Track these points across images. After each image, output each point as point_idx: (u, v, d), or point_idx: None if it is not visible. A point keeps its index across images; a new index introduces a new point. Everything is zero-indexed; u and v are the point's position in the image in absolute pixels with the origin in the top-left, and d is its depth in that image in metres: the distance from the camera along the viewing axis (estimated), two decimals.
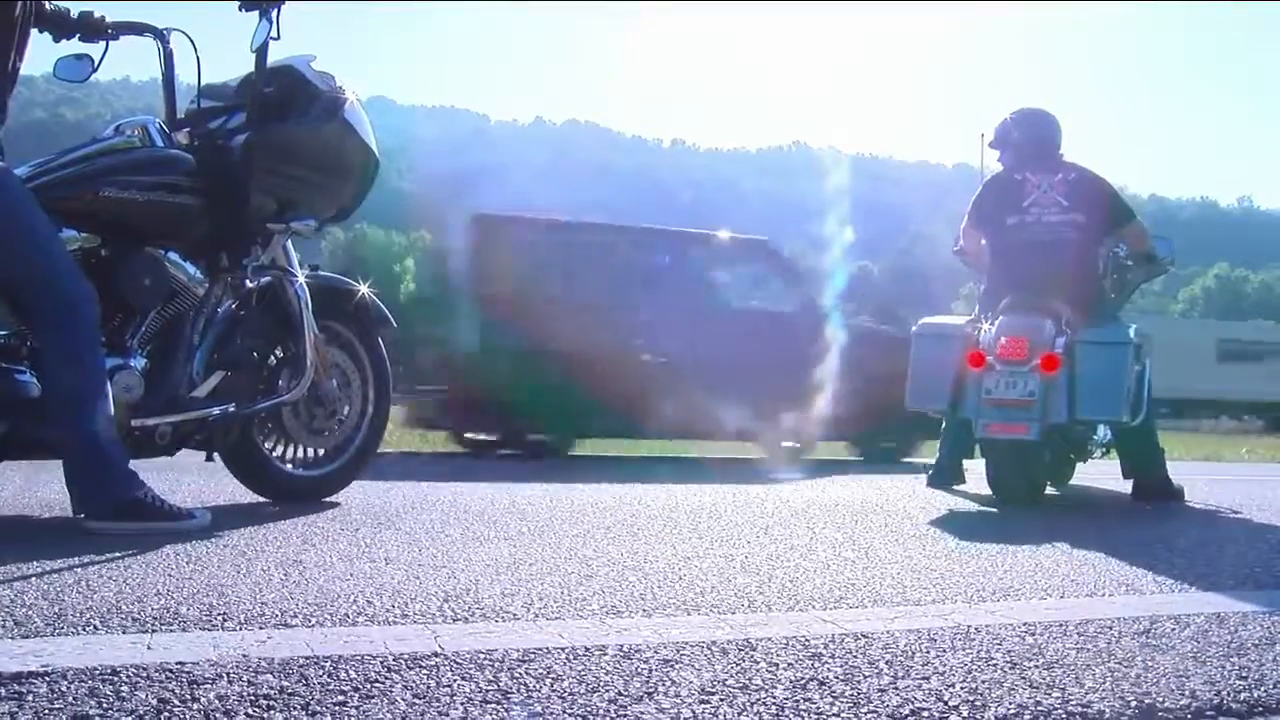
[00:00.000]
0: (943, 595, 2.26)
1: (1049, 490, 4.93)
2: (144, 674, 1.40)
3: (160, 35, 3.35)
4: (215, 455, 3.37)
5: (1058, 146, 5.04)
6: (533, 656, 1.59)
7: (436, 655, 1.58)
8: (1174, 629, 2.00)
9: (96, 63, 3.32)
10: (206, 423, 3.19)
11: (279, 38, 3.19)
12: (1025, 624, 1.98)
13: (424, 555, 2.53)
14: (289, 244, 3.45)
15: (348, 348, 3.67)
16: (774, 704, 1.42)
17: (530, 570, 2.36)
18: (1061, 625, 1.98)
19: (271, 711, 1.30)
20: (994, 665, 1.67)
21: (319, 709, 1.32)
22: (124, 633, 1.63)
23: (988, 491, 4.66)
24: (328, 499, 3.57)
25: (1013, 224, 4.87)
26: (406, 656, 1.56)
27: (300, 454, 3.58)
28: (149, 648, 1.54)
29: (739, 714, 1.37)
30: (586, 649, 1.65)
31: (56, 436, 2.76)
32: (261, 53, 3.21)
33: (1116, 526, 3.85)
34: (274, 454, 3.52)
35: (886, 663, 1.65)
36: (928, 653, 1.73)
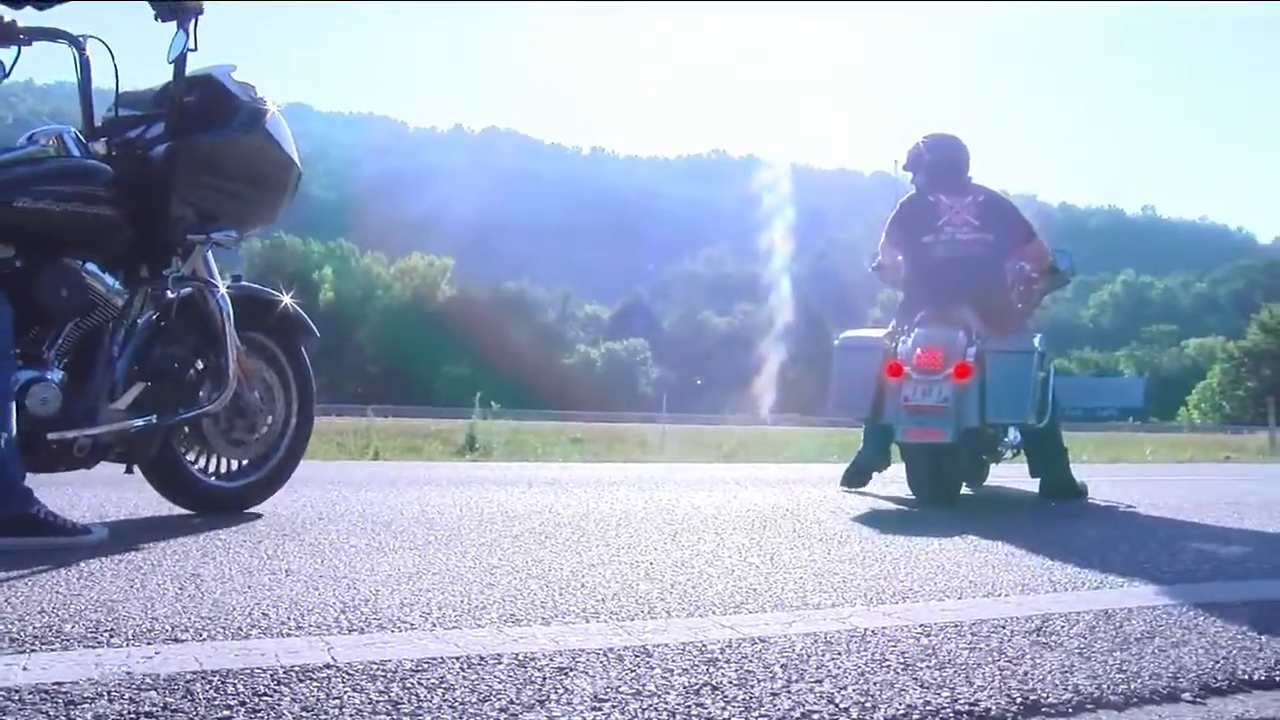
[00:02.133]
0: (843, 599, 2.29)
1: (964, 490, 5.15)
2: (16, 696, 1.35)
3: (76, 42, 3.24)
4: (135, 467, 3.31)
5: (967, 169, 5.38)
6: (426, 666, 1.58)
7: (329, 667, 1.56)
8: (1064, 626, 2.05)
9: (8, 68, 3.23)
10: (127, 434, 3.13)
11: (196, 49, 3.16)
12: (921, 625, 2.02)
13: (325, 566, 2.49)
14: (209, 255, 3.39)
15: (270, 358, 3.65)
16: (666, 709, 1.42)
17: (432, 580, 2.34)
18: (956, 626, 2.02)
19: None
20: (887, 667, 1.69)
21: None
22: None
23: (907, 493, 4.86)
24: (250, 510, 3.53)
25: (927, 242, 5.19)
26: (297, 669, 1.54)
27: (222, 465, 3.54)
28: (25, 669, 1.49)
29: None
30: (481, 658, 1.64)
31: None
32: (180, 63, 3.17)
33: (1019, 527, 3.93)
34: (195, 465, 3.47)
35: (781, 666, 1.67)
36: (823, 656, 1.75)
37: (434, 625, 1.88)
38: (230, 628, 1.80)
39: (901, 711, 1.46)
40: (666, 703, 1.45)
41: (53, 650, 1.61)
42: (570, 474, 6.56)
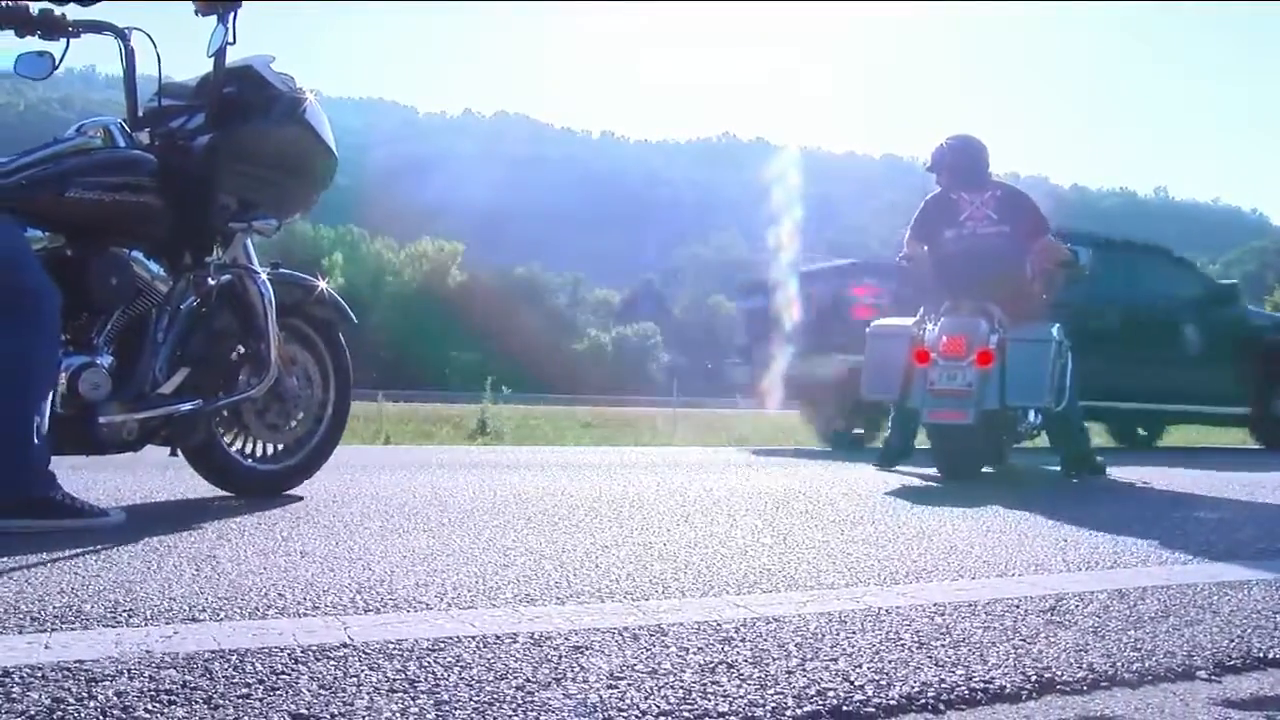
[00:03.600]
0: (856, 578, 2.29)
1: (986, 469, 5.48)
2: (39, 674, 1.37)
3: (121, 34, 3.31)
4: (177, 450, 3.37)
5: (987, 167, 5.75)
6: (442, 645, 1.59)
7: (345, 646, 1.57)
8: (1078, 606, 2.05)
9: (58, 60, 3.30)
10: (172, 418, 3.21)
11: (234, 42, 3.23)
12: (935, 605, 2.02)
13: (340, 548, 2.50)
14: (249, 242, 3.49)
15: (308, 343, 3.72)
16: (681, 687, 1.43)
17: (447, 561, 2.35)
18: (970, 605, 2.02)
19: (173, 706, 1.28)
20: (902, 645, 1.70)
21: (222, 703, 1.30)
22: (20, 633, 1.59)
23: (933, 470, 5.24)
24: (288, 492, 3.60)
25: (950, 237, 5.59)
26: (315, 648, 1.55)
27: (260, 449, 3.61)
28: (46, 647, 1.50)
29: (646, 698, 1.38)
30: (497, 637, 1.65)
31: None
32: (219, 56, 3.24)
33: (1034, 507, 3.92)
34: (234, 449, 3.54)
35: (796, 645, 1.67)
36: (837, 635, 1.75)
37: (449, 605, 1.89)
38: (247, 608, 1.81)
39: (916, 689, 1.46)
40: (682, 680, 1.46)
41: (73, 629, 1.62)
42: (582, 457, 6.58)
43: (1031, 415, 5.57)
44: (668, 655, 1.58)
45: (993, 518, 3.50)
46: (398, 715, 1.29)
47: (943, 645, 1.70)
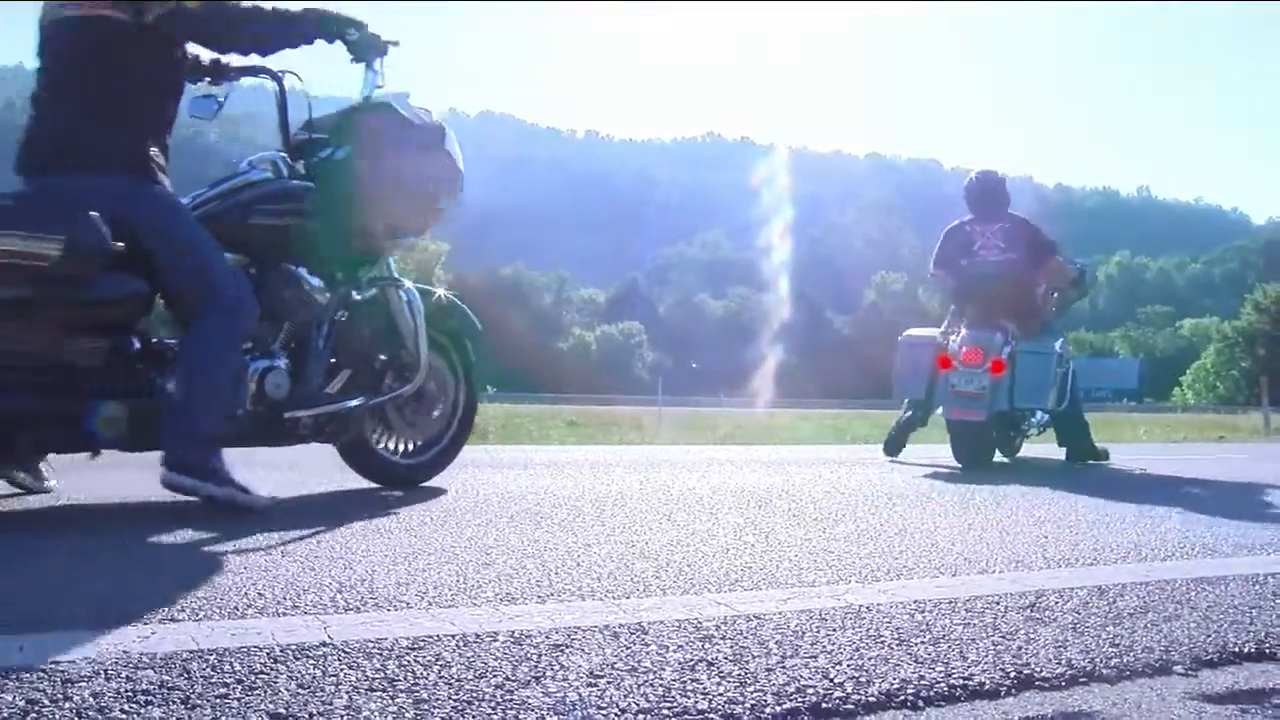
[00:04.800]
0: (838, 576, 2.30)
1: (998, 459, 6.37)
2: (13, 675, 1.36)
3: (276, 77, 3.71)
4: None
5: (1004, 201, 6.69)
6: (422, 644, 1.58)
7: (325, 645, 1.56)
8: (1058, 602, 2.06)
9: (221, 100, 3.72)
10: (339, 415, 3.55)
11: (383, 86, 3.66)
12: (916, 602, 2.03)
13: (321, 546, 2.50)
14: (390, 258, 3.89)
15: (439, 349, 4.04)
16: (661, 685, 1.43)
17: (428, 560, 2.34)
18: (951, 602, 2.03)
19: (149, 707, 1.28)
20: (882, 642, 1.70)
21: (199, 702, 1.30)
22: None
23: (951, 460, 6.02)
24: (426, 484, 3.95)
25: (965, 264, 6.54)
26: (294, 647, 1.54)
27: (400, 444, 3.96)
28: (21, 649, 1.49)
29: (626, 696, 1.38)
30: (477, 636, 1.65)
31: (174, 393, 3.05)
32: (369, 97, 3.66)
33: (1017, 503, 3.93)
34: (379, 445, 3.89)
35: (776, 643, 1.68)
36: (818, 632, 1.76)
37: (430, 604, 1.88)
38: (226, 607, 1.80)
39: (896, 686, 1.47)
40: (662, 678, 1.46)
41: (50, 630, 1.61)
42: (566, 456, 6.57)
43: (1038, 415, 6.49)
44: (648, 653, 1.58)
45: (974, 515, 3.51)
46: (377, 714, 1.28)
47: (923, 642, 1.71)
